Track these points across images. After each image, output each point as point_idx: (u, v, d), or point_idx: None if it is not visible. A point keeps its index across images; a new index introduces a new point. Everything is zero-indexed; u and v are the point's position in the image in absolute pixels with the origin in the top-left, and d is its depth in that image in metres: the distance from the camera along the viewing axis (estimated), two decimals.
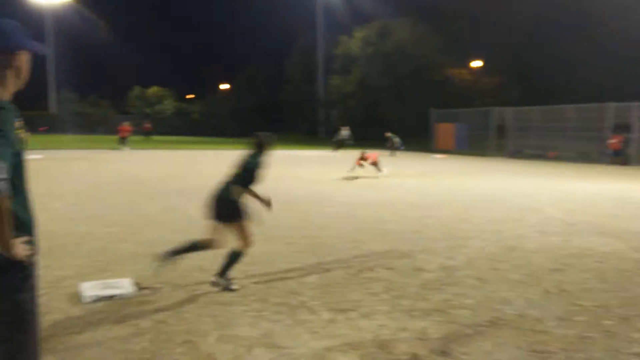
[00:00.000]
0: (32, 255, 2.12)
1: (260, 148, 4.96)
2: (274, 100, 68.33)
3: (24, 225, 2.08)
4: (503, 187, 14.01)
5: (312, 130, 60.47)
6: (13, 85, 2.13)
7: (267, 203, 4.92)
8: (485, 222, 8.53)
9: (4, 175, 1.87)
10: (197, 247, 4.85)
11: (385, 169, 16.13)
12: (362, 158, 15.73)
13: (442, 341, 3.70)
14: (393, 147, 30.16)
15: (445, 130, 33.89)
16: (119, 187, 12.38)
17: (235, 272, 5.26)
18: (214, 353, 3.43)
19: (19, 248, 2.02)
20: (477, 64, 48.56)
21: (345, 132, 35.23)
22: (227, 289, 4.71)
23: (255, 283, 4.97)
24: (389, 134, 31.31)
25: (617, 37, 36.80)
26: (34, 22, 56.44)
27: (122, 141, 28.57)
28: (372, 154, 16.29)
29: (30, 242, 2.12)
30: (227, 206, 4.68)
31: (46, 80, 58.87)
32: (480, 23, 44.96)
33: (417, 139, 36.13)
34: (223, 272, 4.75)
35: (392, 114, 46.85)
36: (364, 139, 49.00)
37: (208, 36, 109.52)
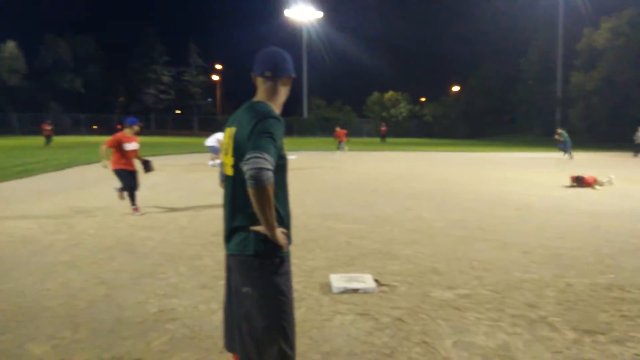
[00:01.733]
0: (287, 244, 2.36)
1: None
2: (507, 100, 64.74)
3: (282, 219, 2.36)
4: None
5: (547, 132, 55.88)
6: (282, 101, 2.52)
7: None
8: None
9: (269, 167, 2.12)
10: None
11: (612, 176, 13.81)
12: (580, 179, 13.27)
13: None
14: (565, 148, 25.93)
15: None
16: (358, 186, 13.08)
17: (468, 278, 5.16)
18: (451, 358, 3.39)
19: (280, 234, 2.29)
20: None
21: None
22: None
23: (490, 291, 4.78)
24: (559, 132, 26.68)
25: None
26: (291, 37, 63.34)
27: (340, 145, 28.56)
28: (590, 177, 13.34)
29: (287, 234, 2.38)
30: None
31: (301, 89, 65.31)
32: None
33: None
34: None
35: None
36: (607, 140, 43.40)
37: (441, 39, 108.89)
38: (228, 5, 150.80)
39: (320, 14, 64.30)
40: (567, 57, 53.46)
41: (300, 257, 5.76)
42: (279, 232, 2.27)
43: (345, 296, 4.59)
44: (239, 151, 2.27)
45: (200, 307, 4.27)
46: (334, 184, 13.65)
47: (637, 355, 3.45)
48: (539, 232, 7.44)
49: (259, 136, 2.18)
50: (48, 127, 32.97)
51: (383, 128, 51.73)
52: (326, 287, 4.80)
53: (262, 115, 2.25)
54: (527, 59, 61.45)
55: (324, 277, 5.08)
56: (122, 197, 8.68)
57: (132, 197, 8.58)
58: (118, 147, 8.29)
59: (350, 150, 30.33)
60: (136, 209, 8.57)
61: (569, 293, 4.72)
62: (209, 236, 6.95)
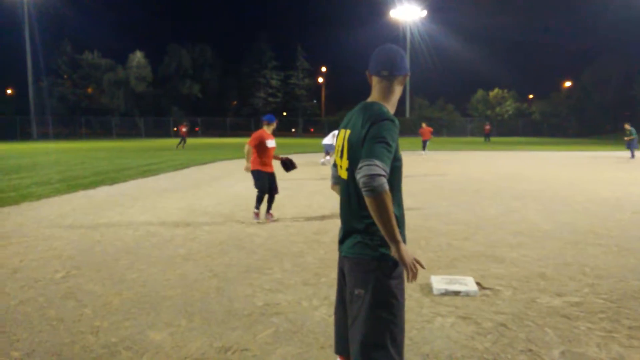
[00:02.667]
0: (412, 263, 2.18)
1: None
2: (626, 95, 59.29)
3: (398, 220, 2.26)
4: None
5: None
6: (396, 100, 2.43)
7: None
8: None
9: (382, 173, 2.05)
10: None
11: None
12: None
13: None
14: (632, 146, 22.51)
15: None
16: (461, 187, 12.67)
17: (579, 284, 4.81)
18: None
19: (405, 250, 2.14)
20: None
21: None
22: None
23: (604, 300, 4.42)
24: (627, 127, 22.99)
25: None
26: (395, 36, 62.92)
27: (424, 144, 27.09)
28: None
29: (402, 234, 2.29)
30: None
31: (404, 89, 64.56)
32: None
33: None
34: None
35: None
36: None
37: (551, 32, 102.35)
38: (333, 8, 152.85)
39: (424, 13, 63.18)
40: None
41: None
42: (405, 248, 2.14)
43: (446, 298, 4.47)
44: (353, 154, 2.25)
45: (303, 303, 4.37)
46: (436, 184, 13.33)
47: None
48: None
49: (372, 142, 2.12)
50: (184, 129, 33.58)
51: (487, 127, 49.67)
52: (427, 289, 4.71)
53: (375, 118, 2.19)
54: None
55: (425, 278, 4.98)
56: (258, 218, 7.98)
57: (270, 202, 8.08)
58: (259, 145, 7.76)
59: (453, 150, 29.42)
60: (270, 215, 8.12)
61: None
62: (311, 234, 7.09)
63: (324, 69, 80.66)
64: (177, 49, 74.03)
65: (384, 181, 2.04)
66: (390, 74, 2.34)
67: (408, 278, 2.18)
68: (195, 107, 71.55)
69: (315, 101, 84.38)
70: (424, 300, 4.44)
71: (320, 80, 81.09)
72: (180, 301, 4.42)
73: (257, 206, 7.95)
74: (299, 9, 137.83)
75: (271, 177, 7.93)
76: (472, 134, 64.19)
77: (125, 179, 13.94)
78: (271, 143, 7.84)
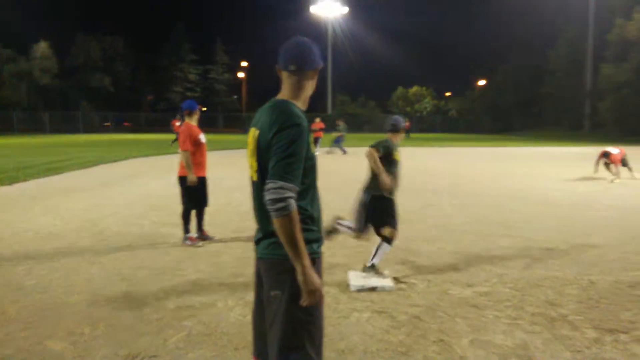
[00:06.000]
0: (318, 286, 2.16)
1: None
2: (534, 94, 63.49)
3: (312, 219, 2.27)
4: None
5: (576, 125, 54.72)
6: (308, 96, 2.38)
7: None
8: None
9: (291, 194, 2.05)
10: None
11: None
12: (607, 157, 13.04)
13: None
14: (338, 142, 23.86)
15: None
16: None
17: (488, 275, 5.08)
18: (468, 357, 3.35)
19: (312, 272, 2.11)
20: None
21: None
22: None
23: (509, 289, 4.70)
24: (340, 124, 24.09)
25: None
26: (316, 33, 63.43)
27: (319, 141, 24.61)
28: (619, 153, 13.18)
29: (318, 233, 2.30)
30: None
31: (326, 85, 65.20)
32: None
33: None
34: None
35: None
36: (638, 133, 42.35)
37: (467, 31, 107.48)
38: (254, 1, 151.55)
39: (345, 10, 64.08)
40: (597, 49, 52.18)
41: None
42: (312, 273, 2.10)
43: (363, 294, 4.57)
44: (262, 157, 2.21)
45: (218, 304, 4.30)
46: (358, 180, 13.55)
47: None
48: (562, 229, 7.29)
49: (279, 157, 2.09)
50: (178, 123, 31.10)
51: (407, 123, 51.34)
52: (344, 285, 4.78)
53: (282, 122, 2.14)
54: (556, 51, 60.15)
55: (343, 274, 5.06)
56: (194, 242, 6.35)
57: (200, 217, 6.58)
58: (193, 144, 6.29)
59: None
60: (206, 234, 6.61)
61: (591, 291, 4.61)
62: (230, 232, 6.99)
63: (245, 63, 79.75)
64: (85, 39, 70.23)
65: (290, 202, 2.04)
66: (298, 69, 2.29)
67: (304, 301, 2.13)
68: (107, 101, 68.26)
69: (236, 97, 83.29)
70: (341, 296, 4.51)
71: (242, 75, 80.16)
72: (84, 308, 4.20)
73: (187, 228, 6.39)
74: (218, 1, 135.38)
75: (204, 183, 6.48)
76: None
77: (25, 177, 13.03)
78: (203, 138, 6.42)
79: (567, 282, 4.86)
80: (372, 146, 5.01)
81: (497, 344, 3.54)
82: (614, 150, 13.15)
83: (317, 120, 24.75)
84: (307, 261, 2.10)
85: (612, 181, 12.66)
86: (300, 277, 2.10)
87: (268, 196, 2.07)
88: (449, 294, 4.57)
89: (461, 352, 3.42)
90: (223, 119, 69.97)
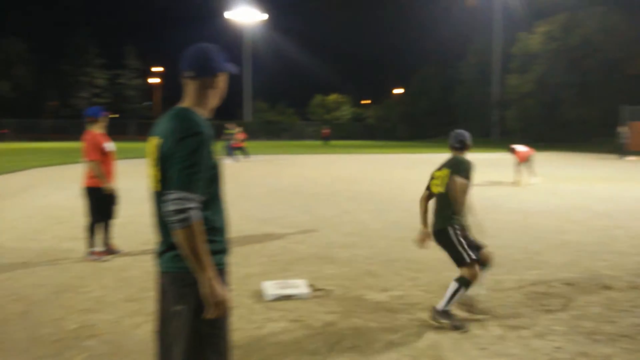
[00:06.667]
0: (224, 297, 2.11)
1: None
2: (447, 102, 66.67)
3: (216, 230, 2.20)
4: None
5: (485, 133, 57.83)
6: (213, 103, 2.32)
7: None
8: None
9: (193, 205, 2.01)
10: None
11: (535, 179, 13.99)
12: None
13: None
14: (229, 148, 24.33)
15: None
16: (298, 190, 13.05)
17: (402, 279, 5.22)
18: None
19: (217, 283, 2.07)
20: None
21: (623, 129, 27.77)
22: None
23: (422, 292, 4.86)
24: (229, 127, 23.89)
25: None
26: (234, 39, 62.88)
27: (233, 151, 24.75)
28: (526, 151, 13.81)
29: (224, 244, 2.24)
30: None
31: (242, 92, 64.64)
32: None
33: (601, 139, 32.46)
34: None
35: (573, 113, 42.89)
36: (541, 140, 45.56)
37: (384, 42, 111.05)
38: (167, 5, 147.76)
39: (265, 17, 63.97)
40: (503, 61, 55.58)
41: (234, 264, 5.56)
42: (216, 285, 2.06)
43: (278, 303, 4.54)
44: (164, 167, 2.13)
45: (124, 321, 4.10)
46: (274, 188, 13.55)
47: (557, 348, 3.58)
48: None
49: (179, 167, 2.04)
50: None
51: (325, 131, 52.00)
52: (259, 295, 4.73)
53: (183, 132, 2.09)
54: (466, 62, 63.49)
55: (258, 284, 5.00)
56: (100, 257, 6.03)
57: (106, 229, 6.21)
58: (100, 152, 5.98)
59: (292, 154, 30.25)
60: (111, 248, 6.27)
61: (497, 290, 4.87)
62: (139, 245, 6.70)
63: (159, 69, 77.41)
64: None
65: (191, 214, 2.00)
66: (196, 75, 2.25)
67: (210, 313, 2.08)
68: (6, 107, 63.58)
69: (149, 103, 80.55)
70: (255, 306, 4.45)
71: (156, 80, 77.69)
72: None
73: (92, 242, 6.03)
74: (128, 3, 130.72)
75: (111, 194, 6.10)
76: (311, 138, 66.66)
77: None
78: (110, 146, 6.13)
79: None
80: (460, 175, 4.11)
81: (409, 345, 3.63)
82: (521, 147, 13.97)
83: (237, 129, 24.68)
84: (211, 273, 2.05)
85: (529, 184, 13.47)
86: (204, 290, 2.05)
87: (169, 207, 2.01)
88: (365, 299, 4.65)
89: (375, 356, 3.48)
90: (135, 126, 67.40)
